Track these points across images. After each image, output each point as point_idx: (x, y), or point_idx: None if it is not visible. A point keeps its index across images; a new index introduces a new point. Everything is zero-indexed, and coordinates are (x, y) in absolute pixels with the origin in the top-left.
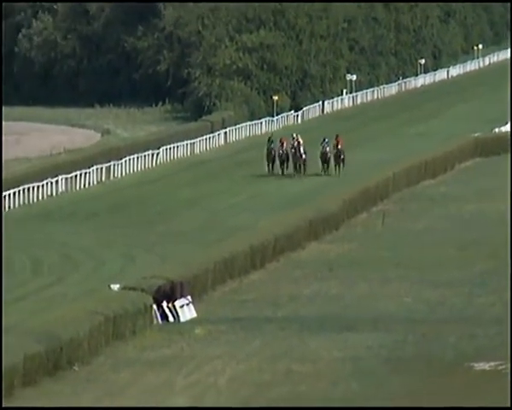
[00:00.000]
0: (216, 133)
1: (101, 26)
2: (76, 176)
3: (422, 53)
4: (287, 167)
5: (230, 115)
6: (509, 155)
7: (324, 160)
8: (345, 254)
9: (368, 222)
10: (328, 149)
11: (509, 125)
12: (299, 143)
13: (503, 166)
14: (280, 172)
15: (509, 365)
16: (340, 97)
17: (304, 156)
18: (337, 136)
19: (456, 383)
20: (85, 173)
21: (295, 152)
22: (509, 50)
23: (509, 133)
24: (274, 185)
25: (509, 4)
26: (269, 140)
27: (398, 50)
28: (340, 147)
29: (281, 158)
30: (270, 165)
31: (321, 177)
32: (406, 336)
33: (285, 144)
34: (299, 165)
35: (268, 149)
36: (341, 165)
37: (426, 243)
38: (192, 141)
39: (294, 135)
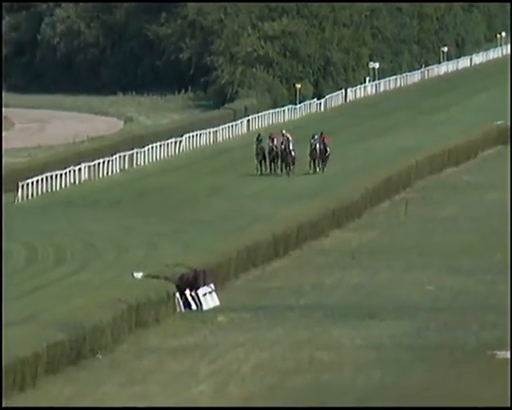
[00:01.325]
0: (238, 121)
1: (123, 15)
2: (99, 164)
3: (445, 41)
4: (277, 165)
5: (253, 103)
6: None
7: (314, 157)
8: (367, 242)
9: (390, 210)
10: (317, 145)
11: None
12: (288, 139)
13: None
14: (269, 171)
15: None
16: (362, 85)
17: (293, 154)
18: (322, 133)
19: (479, 371)
20: (108, 161)
21: (284, 149)
22: None
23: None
24: (297, 172)
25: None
26: (257, 138)
27: (420, 38)
28: (326, 142)
29: (271, 155)
30: (260, 164)
31: (343, 164)
32: (429, 324)
33: (275, 141)
34: (288, 163)
35: (257, 149)
36: (326, 162)
37: (448, 231)
38: (215, 129)
39: (284, 131)
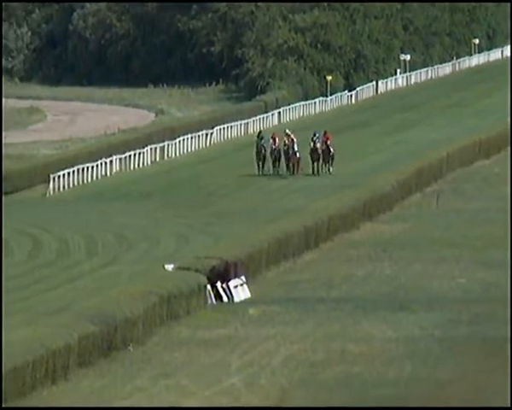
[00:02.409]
0: (270, 113)
1: (155, 7)
2: (130, 156)
3: (476, 33)
4: (279, 166)
5: (284, 95)
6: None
7: (315, 158)
8: (399, 234)
9: (422, 202)
10: (318, 145)
11: None
12: (292, 140)
13: None
14: (271, 172)
15: None
16: (393, 77)
17: (298, 155)
18: (325, 132)
19: (510, 363)
20: (139, 153)
21: (287, 150)
22: None
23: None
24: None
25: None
26: (258, 136)
27: (452, 30)
28: (329, 143)
29: (273, 155)
30: (261, 164)
31: (374, 156)
32: (460, 316)
33: (277, 141)
34: (293, 164)
35: (258, 147)
36: (331, 162)
37: (480, 224)
38: (246, 121)
39: (288, 131)
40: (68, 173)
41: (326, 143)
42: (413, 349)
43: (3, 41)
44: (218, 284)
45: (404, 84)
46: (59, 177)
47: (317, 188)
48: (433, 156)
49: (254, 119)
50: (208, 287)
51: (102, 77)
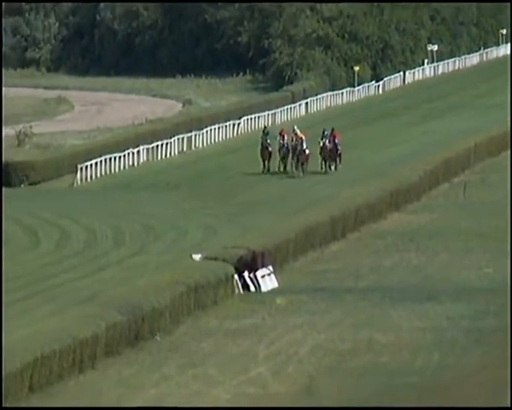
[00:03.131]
0: (297, 103)
1: None
2: (157, 146)
3: (504, 23)
4: (287, 162)
5: (311, 85)
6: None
7: (326, 155)
8: (426, 224)
9: (449, 192)
10: (327, 143)
11: None
12: (301, 138)
13: None
14: (278, 169)
15: None
16: (421, 67)
17: (307, 151)
18: (333, 130)
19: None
20: (167, 143)
21: (296, 146)
22: None
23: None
24: (355, 155)
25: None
26: (263, 132)
27: (479, 20)
28: (336, 141)
29: (281, 152)
30: (266, 161)
31: (401, 146)
32: (487, 306)
33: (286, 137)
34: (302, 162)
35: (263, 143)
36: (338, 161)
37: (507, 214)
38: (273, 111)
39: (296, 128)
40: (96, 163)
41: (334, 141)
42: (440, 339)
43: (32, 32)
44: (246, 274)
45: (432, 74)
46: (86, 167)
47: (345, 178)
48: (461, 147)
49: (281, 109)
50: (236, 277)
51: (130, 67)
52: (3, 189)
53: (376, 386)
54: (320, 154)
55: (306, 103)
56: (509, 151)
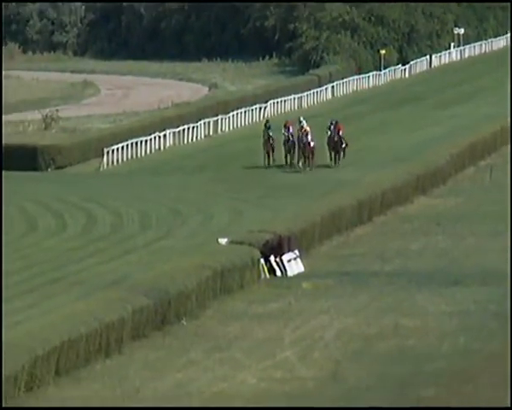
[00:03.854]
0: (323, 87)
1: None
2: (183, 130)
3: None
4: (293, 157)
5: (338, 69)
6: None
7: (333, 146)
8: (452, 208)
9: (475, 176)
10: (333, 135)
11: None
12: (306, 131)
13: None
14: (284, 162)
15: None
16: (447, 51)
17: (312, 144)
18: (337, 122)
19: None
20: (193, 127)
21: (301, 138)
22: None
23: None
24: (381, 139)
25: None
26: (265, 125)
27: (505, 4)
28: (341, 134)
29: (286, 145)
30: (271, 154)
31: (427, 130)
32: None
33: (291, 129)
34: (307, 155)
35: (265, 137)
36: (343, 154)
37: None
38: (299, 95)
39: (302, 119)
40: (122, 147)
41: (338, 133)
42: (467, 323)
43: (59, 16)
44: (272, 258)
45: (458, 58)
46: (113, 151)
47: (371, 162)
48: (487, 130)
49: (308, 93)
50: (262, 261)
51: (156, 51)
52: (31, 172)
53: (402, 371)
54: (328, 145)
55: (332, 87)
56: None
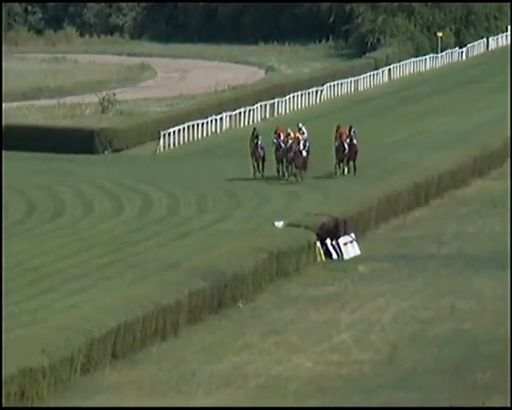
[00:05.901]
0: (380, 70)
1: None
2: (240, 113)
3: None
4: (285, 166)
5: (394, 52)
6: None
7: (342, 156)
8: (509, 191)
9: None
10: (355, 141)
11: None
12: (298, 138)
13: None
14: (276, 173)
15: None
16: (504, 34)
17: (304, 153)
18: (338, 127)
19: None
20: (249, 110)
21: (291, 147)
22: None
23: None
24: (438, 122)
25: None
26: (253, 134)
27: None
28: (343, 139)
29: (278, 153)
30: (260, 164)
31: (485, 113)
32: None
33: (282, 136)
34: (299, 165)
35: (252, 146)
36: (345, 161)
37: None
38: (356, 78)
39: (300, 125)
40: (178, 130)
41: (340, 138)
42: None
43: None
44: (328, 241)
45: None
46: (169, 134)
47: (428, 145)
48: None
49: (364, 76)
50: (318, 244)
51: (213, 34)
52: (87, 155)
53: (459, 354)
54: (335, 152)
55: (389, 70)
56: None
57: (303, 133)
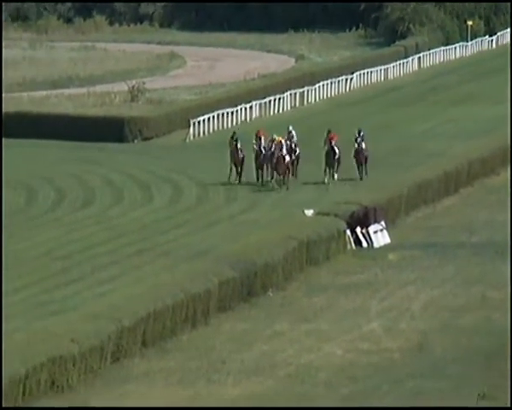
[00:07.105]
0: (410, 58)
1: None
2: (270, 101)
3: None
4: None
5: (424, 40)
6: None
7: (361, 160)
8: None
9: None
10: (363, 145)
11: None
12: (280, 142)
13: None
14: (256, 179)
15: None
16: None
17: (287, 159)
18: (329, 131)
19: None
20: (279, 99)
21: (273, 153)
22: None
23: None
24: (468, 111)
25: None
26: (232, 138)
27: None
28: (333, 143)
29: (258, 159)
30: (238, 168)
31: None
32: None
33: (263, 140)
34: (281, 172)
35: (231, 148)
36: (336, 167)
37: None
38: (385, 66)
39: (290, 128)
40: (208, 119)
41: (330, 143)
42: None
43: None
44: (358, 230)
45: None
46: (199, 122)
47: (458, 132)
48: None
49: (394, 64)
50: (348, 232)
51: (243, 22)
52: (117, 144)
53: (489, 343)
54: (354, 157)
55: (419, 58)
56: None
57: (292, 137)
